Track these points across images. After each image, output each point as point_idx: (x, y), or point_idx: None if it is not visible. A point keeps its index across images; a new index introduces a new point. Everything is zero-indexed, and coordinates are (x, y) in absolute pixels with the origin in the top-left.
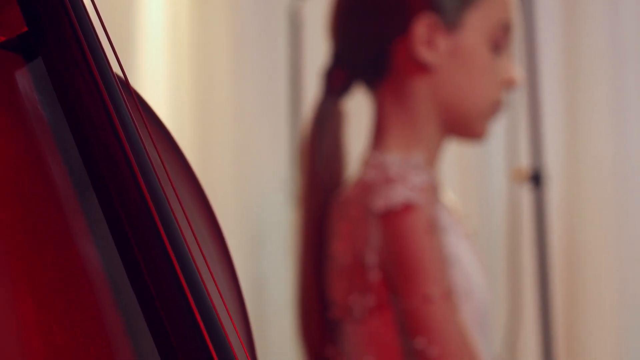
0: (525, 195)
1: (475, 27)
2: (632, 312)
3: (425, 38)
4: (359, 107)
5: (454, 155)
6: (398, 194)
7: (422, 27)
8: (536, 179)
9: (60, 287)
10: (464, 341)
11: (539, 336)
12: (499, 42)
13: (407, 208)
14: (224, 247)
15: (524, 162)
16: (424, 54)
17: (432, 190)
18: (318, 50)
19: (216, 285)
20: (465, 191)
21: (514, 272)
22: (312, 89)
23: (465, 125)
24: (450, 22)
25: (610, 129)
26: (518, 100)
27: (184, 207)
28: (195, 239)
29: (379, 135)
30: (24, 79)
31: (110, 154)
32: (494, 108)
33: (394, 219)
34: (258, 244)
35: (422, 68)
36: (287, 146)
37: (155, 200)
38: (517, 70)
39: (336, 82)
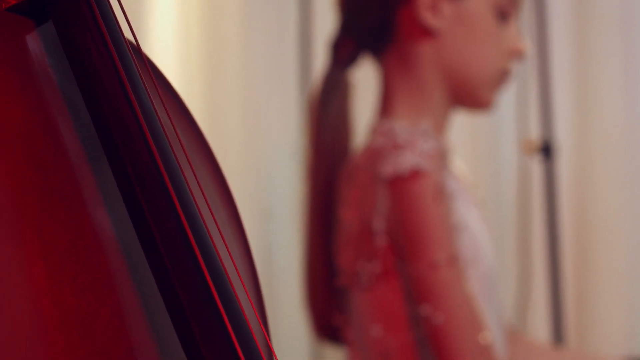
0: (536, 166)
1: None
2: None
3: (430, 3)
4: (366, 78)
5: (465, 126)
6: (406, 160)
7: None
8: (546, 150)
9: (71, 250)
10: (469, 308)
11: (549, 305)
12: (505, 11)
13: (415, 174)
14: (235, 214)
15: (535, 133)
16: (429, 19)
17: (441, 156)
18: (327, 18)
19: (228, 250)
20: (475, 162)
21: (524, 243)
22: (322, 57)
23: (471, 93)
24: None
25: (621, 100)
26: (528, 71)
27: (197, 174)
28: (208, 205)
29: (387, 103)
30: (34, 43)
31: (122, 118)
32: (500, 77)
33: (402, 185)
34: (268, 213)
35: (427, 33)
36: (296, 115)
37: (167, 167)
38: (524, 40)
39: (343, 53)
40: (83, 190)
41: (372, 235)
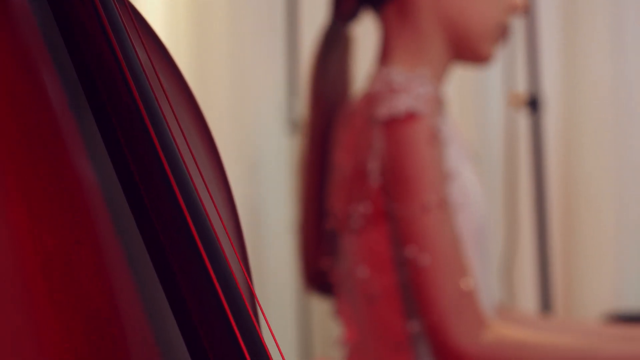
0: (523, 120)
1: None
2: (629, 236)
3: None
4: (367, 34)
5: (452, 79)
6: (402, 103)
7: None
8: (533, 104)
9: (51, 192)
10: (455, 252)
11: (535, 260)
12: None
13: (411, 117)
14: (219, 164)
15: (522, 87)
16: None
17: (437, 102)
18: None
19: (212, 198)
20: (463, 116)
21: (511, 196)
22: (310, 15)
23: (470, 46)
24: None
25: (608, 54)
26: (516, 25)
27: (181, 124)
28: (191, 153)
29: (386, 53)
30: None
31: (104, 62)
32: (499, 31)
33: (397, 127)
34: (255, 170)
35: None
36: (283, 70)
37: (150, 114)
38: None
39: (345, 8)
40: (64, 135)
41: (366, 177)
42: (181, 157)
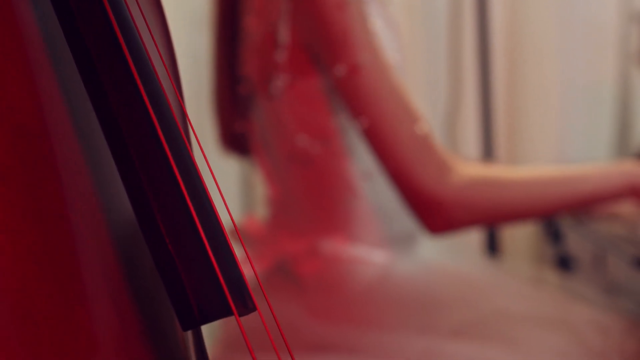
0: None
1: None
2: (574, 85)
3: None
4: None
5: None
6: None
7: None
8: None
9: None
10: (401, 101)
11: (479, 109)
12: None
13: None
14: (162, 18)
15: None
16: None
17: None
18: None
19: (154, 42)
20: None
21: (455, 53)
22: None
23: None
24: None
25: None
26: None
27: None
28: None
29: None
30: None
31: None
32: None
33: None
34: (195, 23)
35: None
36: None
37: None
38: None
39: None
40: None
41: (277, 45)
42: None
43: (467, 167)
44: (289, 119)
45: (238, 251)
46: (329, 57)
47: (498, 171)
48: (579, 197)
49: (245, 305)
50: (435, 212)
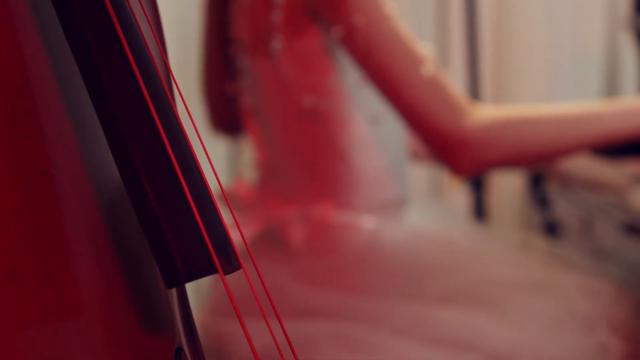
0: None
1: None
2: (560, 59)
3: None
4: None
5: None
6: None
7: None
8: None
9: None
10: (403, 45)
11: (465, 87)
12: None
13: None
14: None
15: None
16: None
17: None
18: None
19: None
20: None
21: (442, 19)
22: None
23: None
24: None
25: None
26: None
27: None
28: None
29: None
30: None
31: None
32: None
33: None
34: None
35: None
36: None
37: None
38: None
39: None
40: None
41: (273, 4)
42: None
43: (487, 109)
44: (285, 79)
45: (226, 215)
46: (329, 14)
47: (523, 110)
48: (605, 134)
49: (230, 262)
50: (458, 151)
